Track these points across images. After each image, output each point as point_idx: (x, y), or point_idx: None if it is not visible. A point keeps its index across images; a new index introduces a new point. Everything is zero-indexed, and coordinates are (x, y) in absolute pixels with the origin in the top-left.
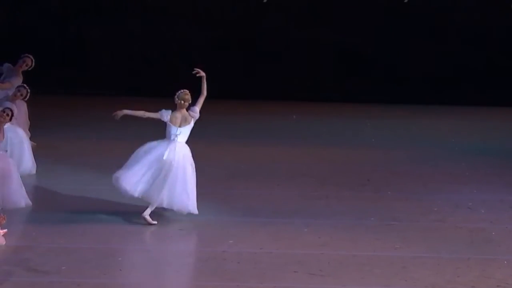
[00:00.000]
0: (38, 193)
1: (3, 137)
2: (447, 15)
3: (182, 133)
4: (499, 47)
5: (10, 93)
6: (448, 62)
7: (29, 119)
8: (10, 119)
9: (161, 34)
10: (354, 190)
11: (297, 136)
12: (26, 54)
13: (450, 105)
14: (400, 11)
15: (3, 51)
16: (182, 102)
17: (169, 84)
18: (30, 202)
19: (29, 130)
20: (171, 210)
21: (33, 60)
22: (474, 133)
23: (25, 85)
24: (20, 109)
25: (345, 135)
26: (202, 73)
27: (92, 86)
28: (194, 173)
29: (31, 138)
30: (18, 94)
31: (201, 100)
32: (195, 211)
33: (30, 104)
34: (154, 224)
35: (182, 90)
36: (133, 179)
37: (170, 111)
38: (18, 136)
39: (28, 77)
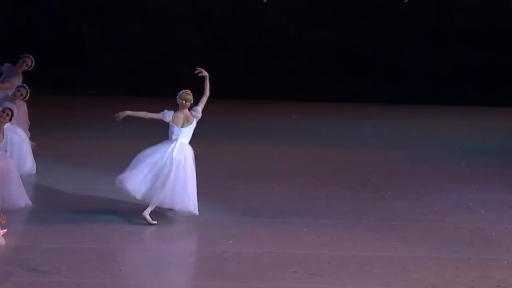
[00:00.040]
0: (38, 193)
1: (3, 137)
2: (447, 15)
3: (184, 134)
4: (499, 47)
5: (10, 93)
6: (448, 62)
7: (29, 119)
8: (10, 119)
9: (161, 34)
10: (354, 190)
11: (297, 136)
12: (26, 54)
13: (450, 105)
14: (400, 11)
15: (3, 51)
16: (184, 102)
17: (169, 84)
18: (30, 202)
19: (29, 130)
20: (172, 210)
21: (33, 60)
22: (474, 133)
23: (25, 85)
24: (20, 109)
25: (345, 135)
26: (205, 73)
27: (92, 86)
28: (194, 173)
29: (31, 138)
30: (18, 94)
31: (203, 100)
32: (196, 212)
33: (30, 104)
34: (154, 224)
35: (184, 90)
36: (136, 180)
37: (172, 112)
38: (18, 136)
39: (29, 77)
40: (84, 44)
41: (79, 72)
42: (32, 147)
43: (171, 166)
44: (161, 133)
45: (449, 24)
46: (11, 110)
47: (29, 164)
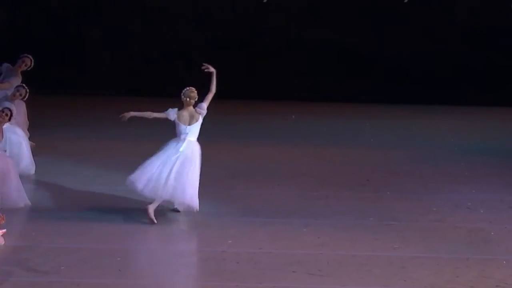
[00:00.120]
0: (37, 193)
1: (2, 137)
2: (447, 15)
3: (192, 131)
4: (499, 47)
5: (9, 93)
6: (448, 62)
7: (28, 119)
8: (9, 119)
9: (161, 34)
10: (354, 190)
11: (297, 136)
12: (25, 54)
13: (450, 105)
14: (400, 11)
15: (3, 51)
16: (188, 99)
17: (169, 84)
18: (29, 202)
19: (28, 130)
20: (171, 211)
21: (32, 60)
22: (474, 133)
23: (24, 85)
24: (19, 109)
25: (345, 135)
26: (212, 69)
27: (92, 86)
28: (199, 170)
29: (30, 138)
30: (17, 94)
31: (209, 97)
32: (195, 206)
33: (30, 104)
34: (154, 223)
35: (188, 88)
36: (145, 179)
37: (176, 110)
38: (17, 136)
39: (29, 77)
40: (84, 44)
41: (79, 72)
42: (31, 147)
43: (177, 161)
44: (161, 133)
45: (449, 24)
46: (10, 110)
47: (28, 164)
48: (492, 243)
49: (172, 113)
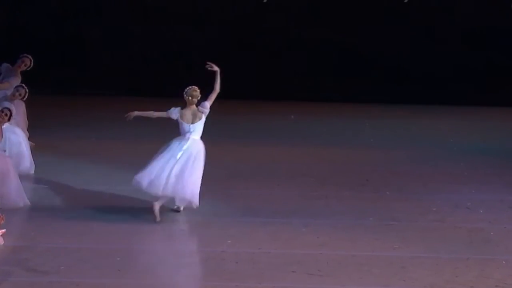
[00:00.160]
0: (36, 193)
1: (2, 137)
2: (447, 15)
3: (195, 130)
4: (499, 47)
5: (9, 93)
6: (448, 62)
7: (27, 119)
8: (9, 119)
9: (161, 34)
10: (354, 190)
11: (297, 136)
12: (25, 54)
13: (450, 105)
14: (400, 11)
15: (3, 51)
16: (190, 98)
17: (169, 84)
18: (28, 202)
19: (27, 130)
20: (171, 211)
21: (32, 60)
22: (474, 133)
23: (23, 85)
24: (19, 109)
25: (345, 135)
26: (216, 68)
27: (92, 86)
28: (202, 168)
29: (29, 138)
30: (17, 94)
31: (212, 96)
32: (196, 202)
33: (30, 104)
34: (157, 221)
35: (190, 87)
36: (150, 178)
37: (178, 109)
38: (17, 136)
39: (29, 77)
40: (84, 44)
41: (79, 72)
42: (31, 147)
43: (181, 159)
44: (161, 133)
45: (449, 24)
46: (9, 110)
47: (27, 164)
48: (491, 243)
49: (174, 112)
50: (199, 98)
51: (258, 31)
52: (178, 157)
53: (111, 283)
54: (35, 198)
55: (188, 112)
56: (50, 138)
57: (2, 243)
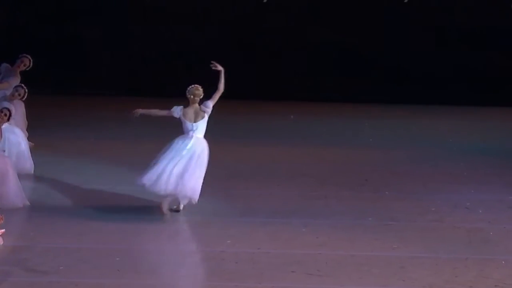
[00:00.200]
0: (36, 193)
1: (1, 137)
2: (447, 15)
3: (198, 128)
4: (499, 47)
5: (8, 93)
6: (448, 62)
7: (27, 119)
8: (8, 119)
9: (160, 34)
10: (354, 190)
11: (297, 136)
12: (24, 54)
13: (450, 105)
14: (400, 11)
15: (2, 51)
16: (192, 97)
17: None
18: (27, 202)
19: (27, 130)
20: (170, 210)
21: (31, 60)
22: (474, 133)
23: (22, 85)
24: (18, 109)
25: (345, 135)
26: (220, 67)
27: (92, 86)
28: (205, 166)
29: (28, 138)
30: (16, 94)
31: (216, 96)
32: (195, 199)
33: (31, 104)
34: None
35: (193, 85)
36: (154, 178)
37: (181, 107)
38: (16, 136)
39: (29, 77)
40: (84, 45)
41: (79, 72)
42: (30, 147)
43: (185, 157)
44: (161, 133)
45: (449, 24)
46: (9, 110)
47: (27, 164)
48: (491, 243)
49: (177, 111)
50: (201, 96)
51: (258, 31)
52: (181, 156)
53: (110, 283)
54: (35, 198)
55: (190, 111)
56: (49, 138)
57: (2, 243)
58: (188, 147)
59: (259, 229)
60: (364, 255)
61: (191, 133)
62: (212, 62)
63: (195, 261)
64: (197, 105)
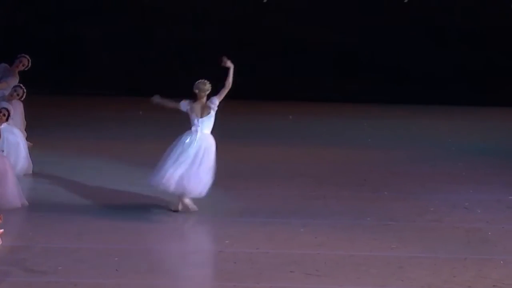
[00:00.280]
0: (34, 193)
1: (0, 137)
2: (447, 15)
3: (204, 124)
4: (499, 47)
5: (7, 93)
6: (448, 62)
7: (25, 119)
8: (7, 119)
9: (160, 34)
10: (353, 190)
11: (297, 136)
12: (23, 54)
13: (450, 105)
14: (400, 11)
15: (2, 51)
16: (198, 91)
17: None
18: (26, 202)
19: (25, 130)
20: (170, 210)
21: (30, 60)
22: (473, 133)
23: (21, 85)
24: (17, 109)
25: (345, 135)
26: (229, 64)
27: (92, 86)
28: (212, 162)
29: (27, 138)
30: (15, 94)
31: (222, 92)
32: (202, 193)
33: (30, 104)
34: (195, 210)
35: (200, 80)
36: (164, 176)
37: (189, 101)
38: (15, 136)
39: (29, 78)
40: (84, 44)
41: (78, 72)
42: (28, 147)
43: (191, 153)
44: (161, 133)
45: (449, 24)
46: (8, 110)
47: (25, 164)
48: (489, 243)
49: (184, 105)
50: (208, 91)
51: (258, 31)
52: (187, 152)
53: (109, 283)
54: (33, 198)
55: (197, 106)
56: (49, 138)
57: (0, 243)
58: (194, 144)
59: (258, 229)
60: (363, 255)
61: (197, 128)
62: (222, 57)
63: (194, 261)
64: (204, 100)
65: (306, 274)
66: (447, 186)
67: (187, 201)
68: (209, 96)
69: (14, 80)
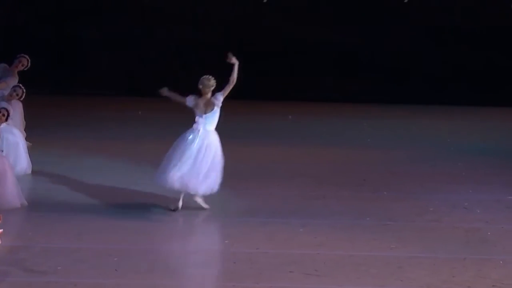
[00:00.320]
0: (34, 193)
1: None
2: (447, 15)
3: (208, 120)
4: (499, 47)
5: (6, 93)
6: (448, 62)
7: (24, 119)
8: (6, 119)
9: (159, 34)
10: (353, 190)
11: (297, 136)
12: (22, 54)
13: (450, 105)
14: (400, 11)
15: (2, 51)
16: (201, 87)
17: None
18: (25, 202)
19: (24, 130)
20: (169, 210)
21: (29, 60)
22: (473, 133)
23: (20, 85)
24: (16, 109)
25: (345, 135)
26: (234, 60)
27: (92, 86)
28: (217, 159)
29: (26, 138)
30: (14, 94)
31: (227, 88)
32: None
33: (30, 104)
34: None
35: (205, 76)
36: (168, 173)
37: (194, 97)
38: (14, 136)
39: (29, 78)
40: (84, 45)
41: (78, 72)
42: (28, 147)
43: (194, 150)
44: (161, 133)
45: (449, 24)
46: (7, 110)
47: (24, 164)
48: (489, 243)
49: (189, 100)
50: (213, 87)
51: (258, 31)
52: (191, 150)
53: (109, 283)
54: (33, 198)
55: (202, 102)
56: (48, 138)
57: (0, 243)
58: (196, 140)
59: (257, 229)
60: (362, 255)
61: (201, 124)
62: (228, 54)
63: (194, 261)
64: (208, 96)
65: (306, 274)
66: (447, 186)
67: (198, 199)
68: (214, 92)
69: (14, 80)
